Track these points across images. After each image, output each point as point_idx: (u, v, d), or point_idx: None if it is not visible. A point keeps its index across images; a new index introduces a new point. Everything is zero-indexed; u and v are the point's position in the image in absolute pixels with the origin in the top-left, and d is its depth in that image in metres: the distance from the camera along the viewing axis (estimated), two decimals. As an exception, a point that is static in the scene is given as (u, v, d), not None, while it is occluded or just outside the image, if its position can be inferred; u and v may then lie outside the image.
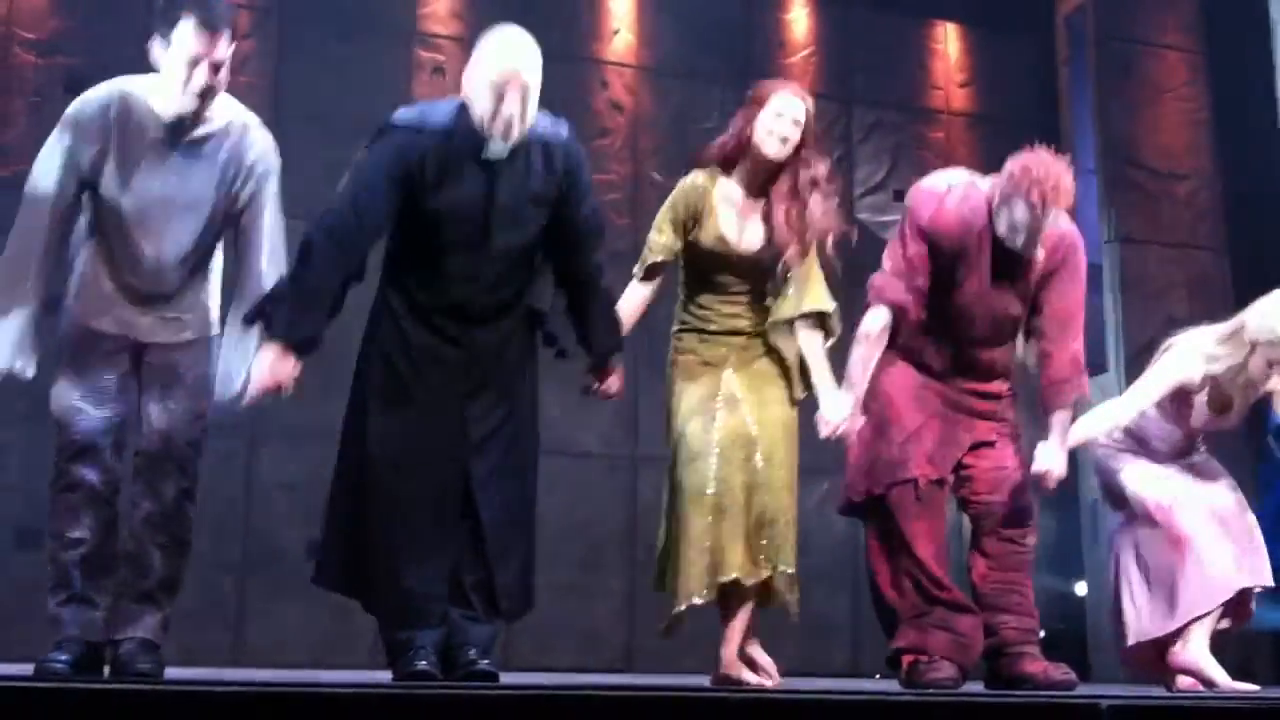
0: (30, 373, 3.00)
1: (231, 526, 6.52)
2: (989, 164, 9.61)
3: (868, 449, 3.32)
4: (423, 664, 3.04)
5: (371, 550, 3.05)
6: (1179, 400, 3.90)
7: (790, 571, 3.26)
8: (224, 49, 2.98)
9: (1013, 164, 3.56)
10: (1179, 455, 4.03)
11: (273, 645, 6.31)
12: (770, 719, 3.02)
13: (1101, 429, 3.83)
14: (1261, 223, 8.08)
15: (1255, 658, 5.56)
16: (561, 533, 6.25)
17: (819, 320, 3.39)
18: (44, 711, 2.46)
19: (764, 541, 3.21)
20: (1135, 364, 7.96)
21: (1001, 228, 3.34)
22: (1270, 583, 3.98)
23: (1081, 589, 7.99)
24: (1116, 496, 4.13)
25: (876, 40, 8.76)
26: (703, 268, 3.41)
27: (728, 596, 3.26)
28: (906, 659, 3.35)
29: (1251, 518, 3.99)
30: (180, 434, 3.01)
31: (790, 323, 3.38)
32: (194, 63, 2.94)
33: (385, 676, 3.44)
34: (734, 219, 3.38)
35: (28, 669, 3.16)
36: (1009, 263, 3.35)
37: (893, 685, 4.76)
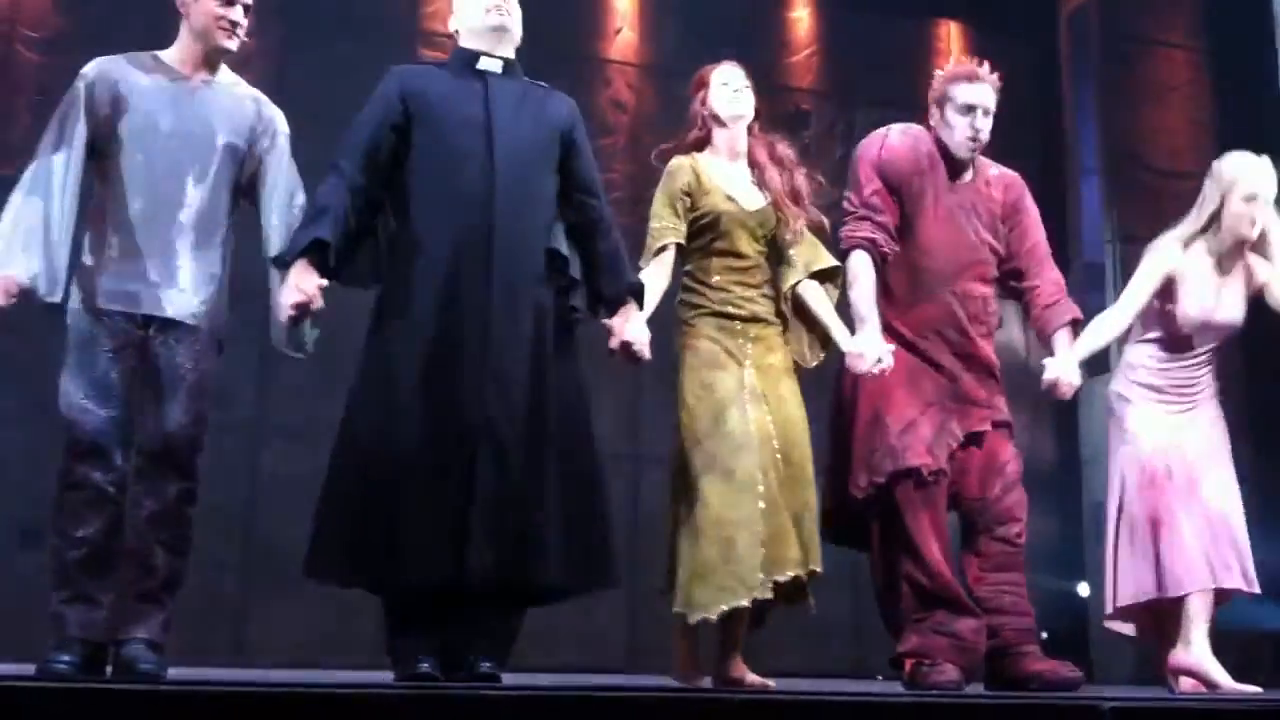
0: (57, 296, 2.97)
1: (234, 525, 6.52)
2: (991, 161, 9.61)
3: (864, 441, 3.29)
4: (424, 666, 2.98)
5: (372, 523, 2.90)
6: (1167, 316, 3.89)
7: (819, 569, 3.21)
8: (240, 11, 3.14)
9: (935, 81, 3.67)
10: (1183, 392, 3.89)
11: (275, 644, 6.31)
12: (773, 719, 3.02)
13: (1103, 337, 3.86)
14: (1264, 222, 8.08)
15: (1257, 659, 5.55)
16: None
17: (827, 276, 3.45)
18: (48, 711, 2.46)
19: (804, 539, 3.16)
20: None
21: (950, 134, 3.53)
22: (1245, 586, 3.91)
23: (1083, 589, 7.98)
24: (1118, 435, 4.02)
25: (879, 39, 8.75)
26: (715, 239, 3.37)
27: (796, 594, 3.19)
28: (909, 662, 3.33)
29: (1233, 510, 3.92)
30: (182, 434, 3.02)
31: (797, 286, 3.43)
32: (228, 3, 3.13)
33: (387, 676, 3.44)
34: (731, 182, 3.42)
35: (31, 668, 3.18)
36: (965, 190, 3.53)
37: (895, 686, 4.75)
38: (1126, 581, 3.89)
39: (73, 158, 3.06)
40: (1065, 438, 8.39)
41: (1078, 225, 8.57)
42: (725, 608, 3.10)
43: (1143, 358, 3.98)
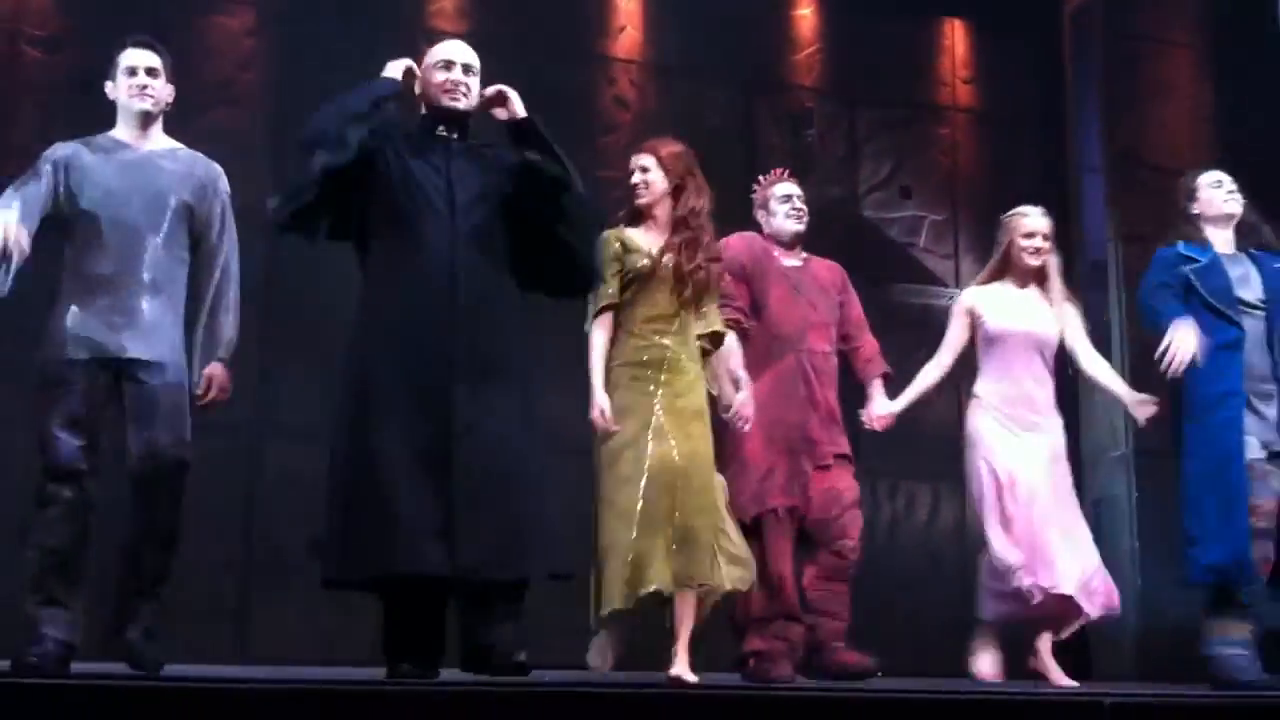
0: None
1: (234, 525, 6.52)
2: (995, 160, 9.68)
3: (732, 484, 3.90)
4: (404, 666, 3.16)
5: (368, 524, 3.09)
6: (989, 343, 4.47)
7: (711, 584, 3.65)
8: (155, 61, 3.59)
9: (757, 192, 4.50)
10: (1027, 409, 4.43)
11: (276, 643, 6.32)
12: (771, 716, 3.03)
13: (925, 383, 4.59)
14: (1267, 220, 8.06)
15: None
16: (562, 531, 6.21)
17: (718, 337, 3.99)
18: (54, 706, 2.49)
19: (685, 560, 3.58)
20: (1139, 361, 7.95)
21: (779, 223, 4.33)
22: (1066, 590, 4.21)
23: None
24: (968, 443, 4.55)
25: (882, 37, 8.73)
26: (637, 292, 3.84)
27: (666, 604, 3.66)
28: (752, 660, 3.97)
29: (1068, 510, 4.36)
30: (165, 458, 3.37)
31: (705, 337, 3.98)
32: (131, 71, 3.55)
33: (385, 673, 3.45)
34: (653, 244, 3.92)
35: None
36: (798, 271, 4.30)
37: (896, 684, 4.77)
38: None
39: (33, 194, 3.48)
40: (1068, 437, 8.37)
41: (1080, 223, 8.56)
42: (605, 613, 3.66)
43: (985, 389, 4.50)
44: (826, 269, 4.33)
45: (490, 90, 3.58)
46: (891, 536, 7.84)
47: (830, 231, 8.59)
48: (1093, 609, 4.29)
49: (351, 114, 3.34)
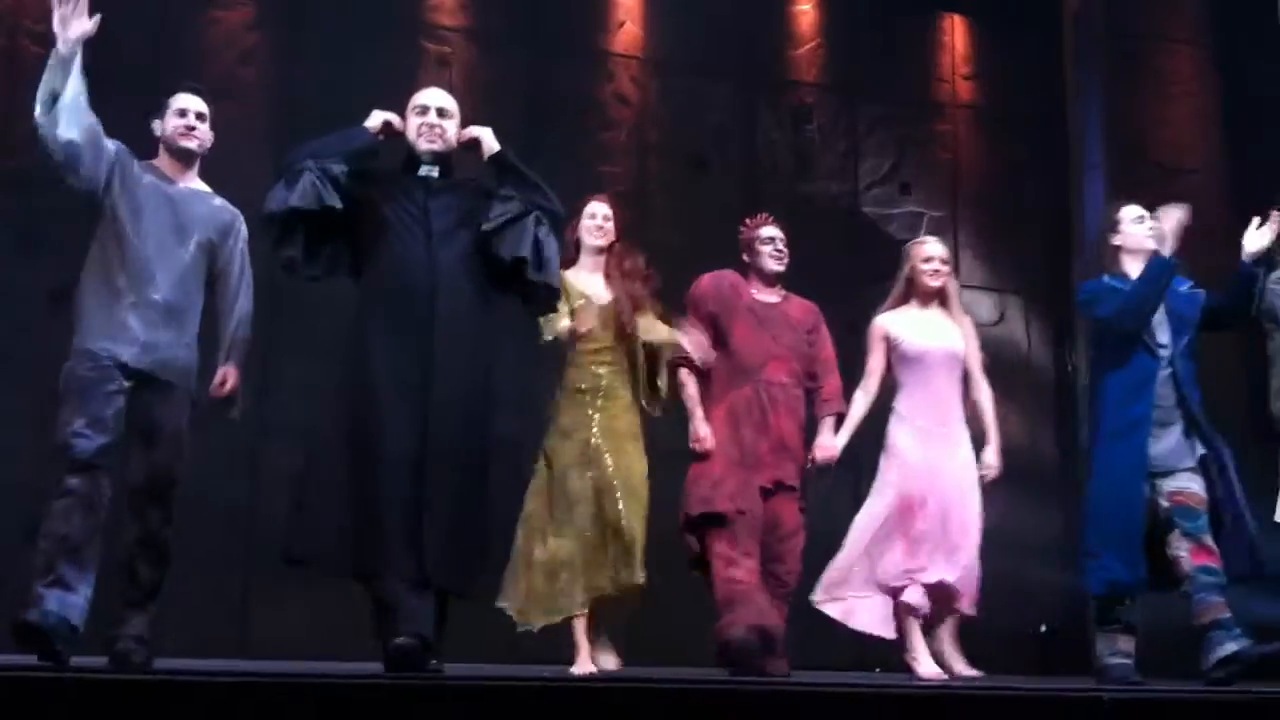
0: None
1: (237, 520, 6.52)
2: (995, 157, 9.68)
3: (688, 490, 4.40)
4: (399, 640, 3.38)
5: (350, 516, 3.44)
6: (904, 362, 4.79)
7: (641, 582, 4.15)
8: (204, 107, 3.95)
9: (743, 233, 4.83)
10: (942, 422, 4.76)
11: (279, 637, 6.32)
12: (773, 709, 3.04)
13: (859, 411, 4.85)
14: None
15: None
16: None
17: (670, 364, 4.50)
18: (60, 700, 2.51)
19: (617, 566, 4.11)
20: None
21: (761, 261, 4.69)
22: (948, 578, 4.58)
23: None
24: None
25: (883, 33, 8.73)
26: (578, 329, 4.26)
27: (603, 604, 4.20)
28: (722, 640, 4.25)
29: (968, 523, 4.67)
30: (161, 476, 3.65)
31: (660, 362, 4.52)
32: (182, 113, 3.87)
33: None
34: (589, 285, 4.37)
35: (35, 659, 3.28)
36: (769, 307, 4.66)
37: (895, 678, 4.78)
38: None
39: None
40: (1065, 432, 8.40)
41: (1081, 220, 8.56)
42: (546, 622, 4.13)
43: (905, 405, 4.79)
44: (801, 308, 4.64)
45: (465, 135, 3.88)
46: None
47: (830, 227, 8.61)
48: (968, 609, 4.72)
49: (326, 160, 3.66)
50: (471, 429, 3.53)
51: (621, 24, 8.23)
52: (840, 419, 4.67)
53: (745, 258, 4.70)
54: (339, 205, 3.56)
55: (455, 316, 3.54)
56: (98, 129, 3.75)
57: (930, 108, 8.80)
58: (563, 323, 4.22)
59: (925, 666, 4.56)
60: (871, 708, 3.18)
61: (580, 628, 4.10)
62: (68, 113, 3.72)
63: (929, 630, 4.71)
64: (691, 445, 4.38)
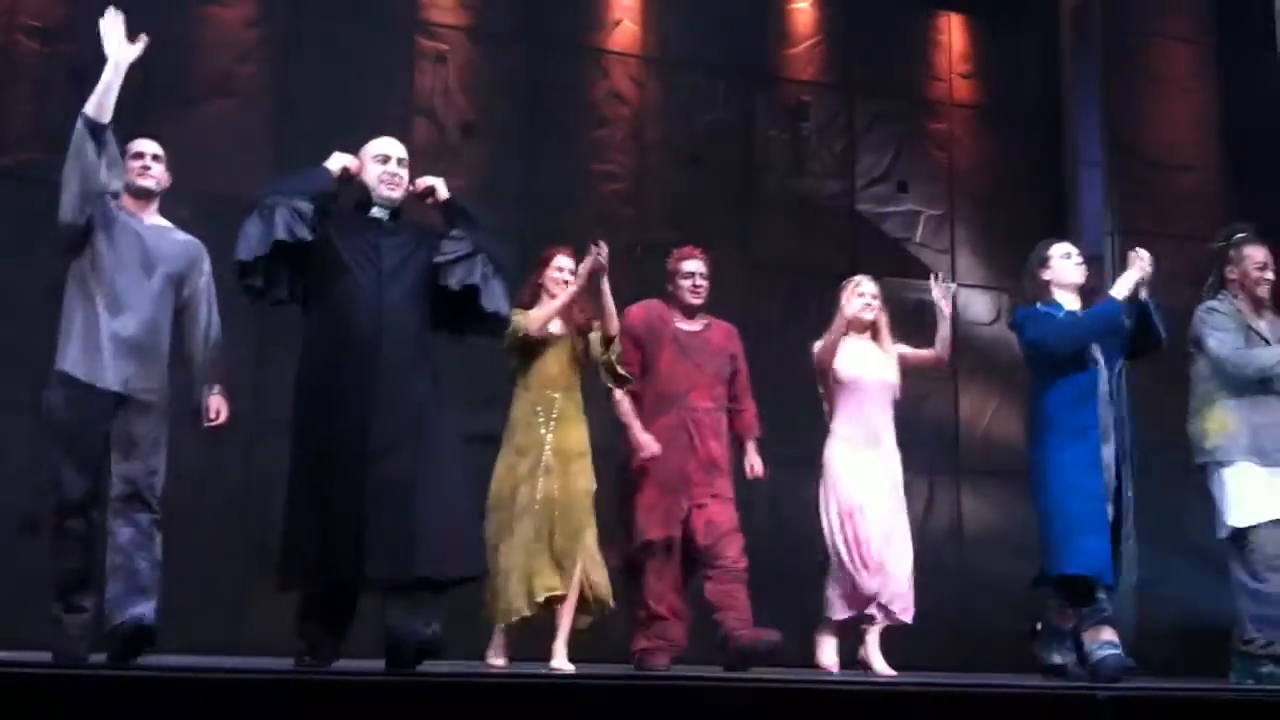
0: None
1: (231, 518, 6.51)
2: (991, 155, 9.68)
3: (622, 516, 4.78)
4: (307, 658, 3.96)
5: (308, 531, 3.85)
6: (841, 388, 5.21)
7: (563, 591, 4.53)
8: (157, 149, 4.22)
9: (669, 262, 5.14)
10: (874, 442, 5.18)
11: (272, 635, 6.31)
12: (772, 708, 3.05)
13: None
14: (1268, 215, 8.05)
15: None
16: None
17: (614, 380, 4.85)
18: (59, 698, 2.52)
19: (564, 568, 4.51)
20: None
21: (680, 293, 5.00)
22: (885, 599, 5.03)
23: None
24: None
25: (880, 30, 8.72)
26: (533, 358, 4.71)
27: (548, 605, 4.55)
28: (638, 652, 4.82)
29: (897, 529, 5.10)
30: (142, 484, 3.96)
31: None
32: (138, 155, 4.17)
33: (381, 665, 3.45)
34: (546, 323, 4.78)
35: (39, 654, 3.80)
36: (693, 335, 5.01)
37: (896, 676, 4.78)
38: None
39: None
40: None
41: (1078, 218, 8.56)
42: (503, 622, 4.57)
43: (841, 426, 5.22)
44: (723, 333, 4.98)
45: (420, 185, 4.15)
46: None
47: (827, 225, 8.62)
48: (905, 616, 5.15)
49: (294, 198, 3.90)
50: (410, 454, 3.81)
51: (618, 22, 8.22)
52: (759, 443, 5.14)
53: (669, 288, 5.00)
54: (309, 238, 3.85)
55: (399, 353, 3.84)
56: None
57: (927, 106, 8.80)
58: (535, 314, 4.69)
59: (827, 658, 5.13)
60: (869, 706, 3.18)
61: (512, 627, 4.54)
62: (85, 199, 3.99)
63: (861, 632, 5.19)
64: (639, 451, 4.76)
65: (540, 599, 4.47)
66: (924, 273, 8.62)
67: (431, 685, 2.89)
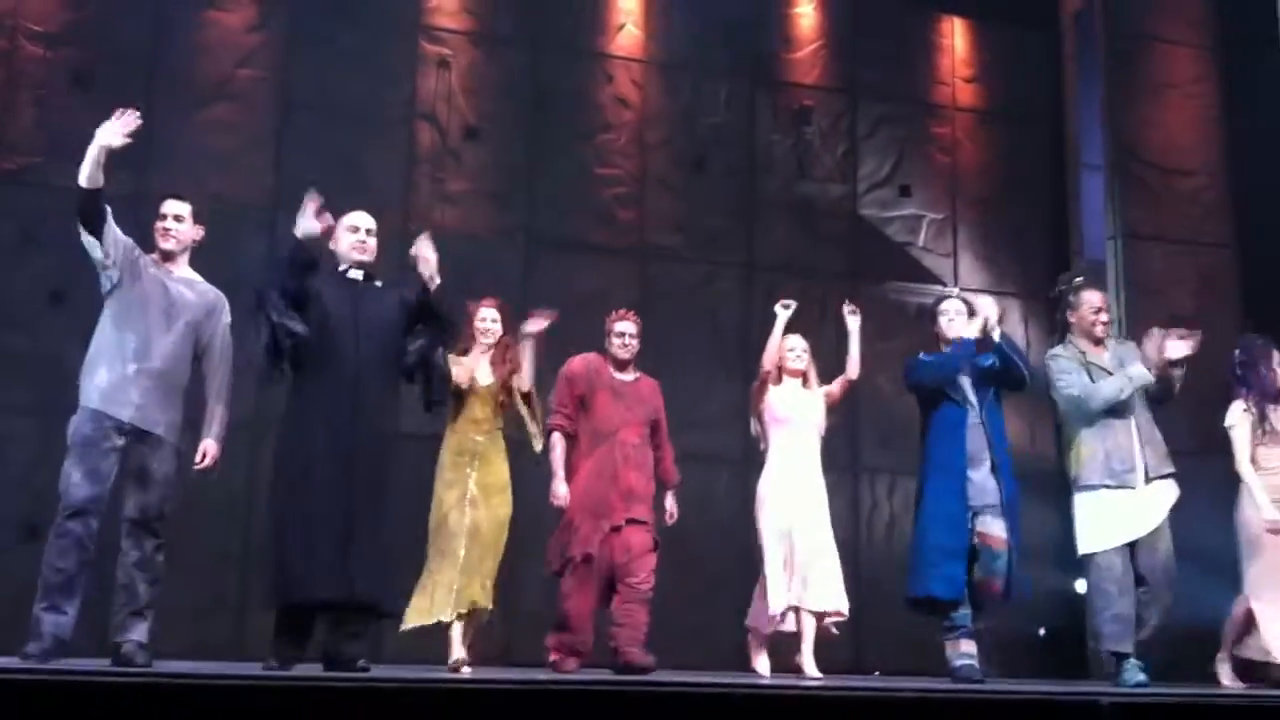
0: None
1: (235, 520, 6.53)
2: (994, 159, 9.66)
3: (557, 536, 5.37)
4: (274, 665, 4.32)
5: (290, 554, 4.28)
6: (775, 424, 5.82)
7: (485, 605, 5.22)
8: (183, 209, 4.63)
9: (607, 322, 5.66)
10: (802, 474, 5.75)
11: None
12: (777, 712, 3.05)
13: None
14: (1270, 219, 8.06)
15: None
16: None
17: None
18: (65, 702, 2.53)
19: (485, 586, 5.21)
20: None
21: (612, 348, 5.53)
22: (813, 606, 5.52)
23: (1081, 587, 7.96)
24: None
25: (883, 34, 8.73)
26: (464, 402, 5.35)
27: (467, 615, 5.23)
28: (550, 659, 5.32)
29: (822, 543, 5.61)
30: (153, 511, 4.36)
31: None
32: (162, 216, 4.59)
33: (383, 671, 3.45)
34: (477, 367, 5.40)
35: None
36: (624, 384, 5.56)
37: (894, 682, 4.78)
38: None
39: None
40: (1064, 434, 8.37)
41: (1079, 222, 8.57)
42: (420, 624, 5.14)
43: (773, 459, 5.83)
44: (649, 388, 5.65)
45: (420, 256, 4.56)
46: (890, 532, 7.85)
47: (829, 229, 8.62)
48: (834, 620, 5.64)
49: (285, 284, 4.38)
50: (383, 487, 4.42)
51: (621, 26, 8.23)
52: (677, 487, 5.75)
53: (605, 343, 5.62)
54: (302, 330, 4.36)
55: (373, 398, 4.42)
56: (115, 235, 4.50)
57: (930, 110, 8.80)
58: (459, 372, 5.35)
59: (761, 665, 5.74)
60: (873, 713, 3.18)
61: (456, 630, 5.18)
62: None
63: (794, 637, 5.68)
64: (552, 500, 5.42)
65: (464, 609, 5.13)
66: (926, 277, 8.66)
67: (440, 692, 2.89)
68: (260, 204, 6.98)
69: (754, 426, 5.99)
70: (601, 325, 5.55)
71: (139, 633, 4.25)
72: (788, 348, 5.92)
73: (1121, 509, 5.00)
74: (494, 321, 5.46)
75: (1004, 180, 8.78)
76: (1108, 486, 5.02)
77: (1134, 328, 8.10)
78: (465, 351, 5.42)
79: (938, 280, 8.49)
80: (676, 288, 7.91)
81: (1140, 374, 5.07)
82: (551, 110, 7.86)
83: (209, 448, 4.54)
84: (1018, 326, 8.44)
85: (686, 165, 8.16)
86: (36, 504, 5.82)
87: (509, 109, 7.79)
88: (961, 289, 7.40)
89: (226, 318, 4.64)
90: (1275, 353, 5.62)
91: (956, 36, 8.99)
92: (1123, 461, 5.02)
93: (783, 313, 5.90)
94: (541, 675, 4.01)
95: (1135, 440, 5.07)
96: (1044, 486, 7.35)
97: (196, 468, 4.51)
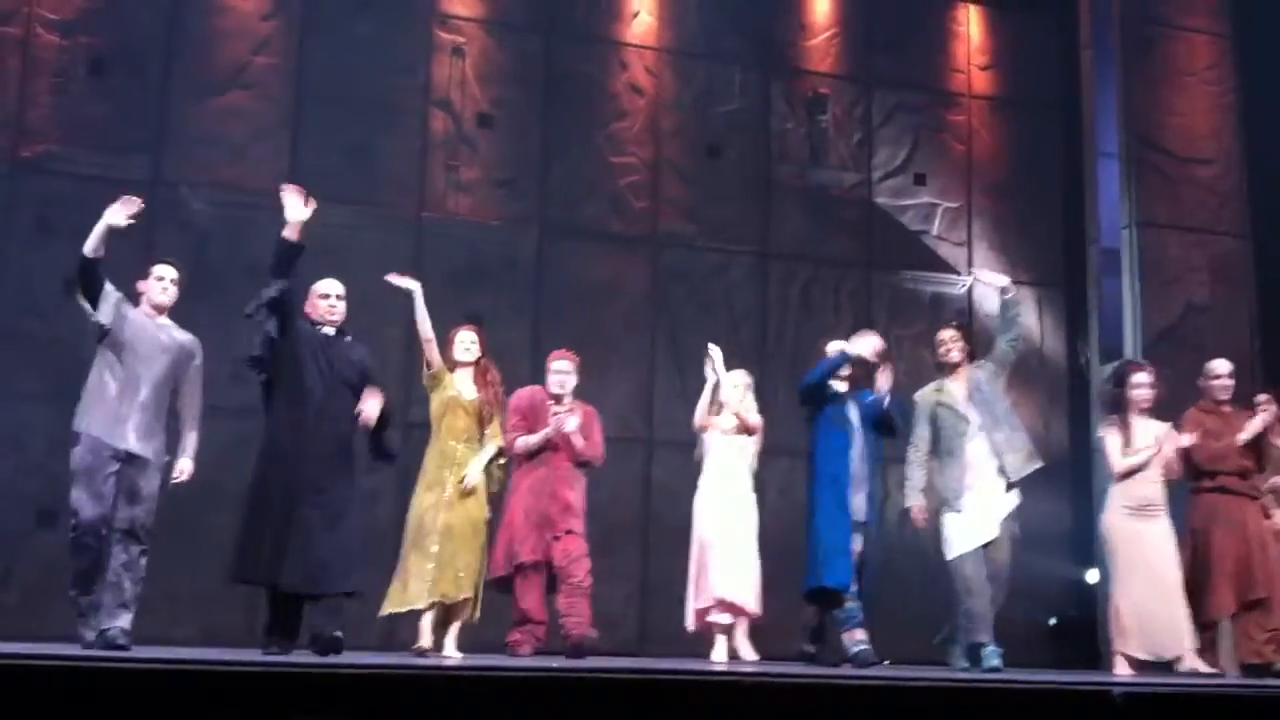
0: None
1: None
2: (1009, 147, 9.62)
3: (502, 545, 5.91)
4: (273, 650, 4.90)
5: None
6: (710, 446, 6.31)
7: (468, 596, 5.65)
8: (175, 274, 5.24)
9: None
10: (731, 490, 6.25)
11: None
12: (792, 701, 3.06)
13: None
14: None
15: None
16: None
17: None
18: (76, 688, 2.55)
19: (454, 581, 5.64)
20: (1153, 349, 7.93)
21: (551, 384, 6.06)
22: (732, 598, 6.03)
23: (1092, 576, 7.96)
24: None
25: (898, 22, 8.70)
26: (447, 414, 5.82)
27: (449, 608, 5.70)
28: (510, 644, 5.81)
29: (743, 539, 6.15)
30: (139, 523, 5.00)
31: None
32: (160, 278, 5.22)
33: (393, 659, 3.47)
34: (460, 384, 5.88)
35: (56, 646, 3.79)
36: (560, 412, 6.04)
37: (901, 671, 4.79)
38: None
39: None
40: (1078, 427, 8.37)
41: (1095, 210, 8.53)
42: (394, 610, 5.63)
43: (707, 477, 6.32)
44: (587, 416, 6.17)
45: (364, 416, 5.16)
46: (901, 524, 7.83)
47: (844, 217, 8.60)
48: (751, 611, 6.18)
49: (274, 284, 5.00)
50: (338, 495, 5.04)
51: (636, 14, 8.21)
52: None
53: (546, 380, 6.15)
54: (276, 334, 5.02)
55: (334, 427, 5.07)
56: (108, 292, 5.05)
57: (945, 98, 8.76)
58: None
59: (718, 654, 6.12)
60: (886, 701, 3.19)
61: (427, 619, 5.63)
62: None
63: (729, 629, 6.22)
64: (554, 426, 5.98)
65: (436, 599, 5.59)
66: (940, 265, 8.64)
67: (447, 679, 2.90)
68: (274, 190, 6.99)
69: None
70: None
71: (124, 621, 4.93)
72: (733, 383, 6.41)
73: (964, 524, 5.64)
74: (473, 343, 5.99)
75: (1019, 168, 8.75)
76: (951, 510, 5.65)
77: (1148, 316, 8.08)
78: (451, 370, 5.95)
79: (952, 269, 8.47)
80: (690, 275, 7.91)
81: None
82: (565, 98, 7.85)
83: (185, 466, 5.25)
84: (1032, 316, 8.42)
85: (700, 153, 8.15)
86: (53, 488, 5.86)
87: (523, 96, 7.78)
88: (975, 276, 7.37)
89: (198, 359, 5.33)
90: (1140, 371, 5.96)
91: (971, 24, 8.95)
92: (952, 490, 5.66)
93: (710, 374, 6.33)
94: (564, 664, 4.01)
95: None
96: (1056, 477, 7.33)
97: (174, 482, 5.19)
